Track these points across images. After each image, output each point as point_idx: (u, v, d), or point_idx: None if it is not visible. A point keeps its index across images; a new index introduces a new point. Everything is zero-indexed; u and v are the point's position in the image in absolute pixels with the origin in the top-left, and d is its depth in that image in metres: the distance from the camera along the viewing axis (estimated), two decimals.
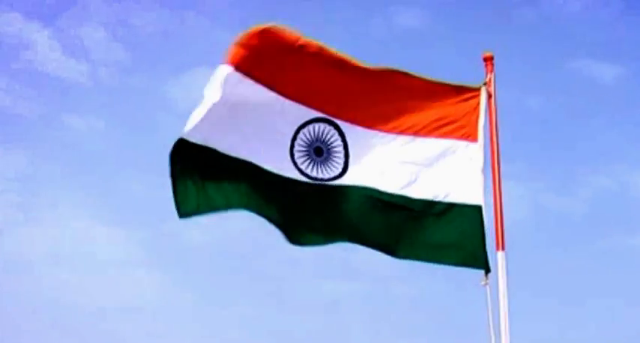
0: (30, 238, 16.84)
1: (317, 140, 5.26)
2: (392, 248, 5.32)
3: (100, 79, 17.98)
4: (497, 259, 5.14)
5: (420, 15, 18.74)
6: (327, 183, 5.22)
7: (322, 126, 5.28)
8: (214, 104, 4.79)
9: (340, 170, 5.27)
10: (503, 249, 5.16)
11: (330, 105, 5.29)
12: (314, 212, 5.21)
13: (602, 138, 17.83)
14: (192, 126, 4.79)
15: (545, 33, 18.11)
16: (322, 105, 5.27)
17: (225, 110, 4.88)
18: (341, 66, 5.22)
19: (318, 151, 5.26)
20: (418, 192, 5.31)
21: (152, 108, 17.48)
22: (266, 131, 5.13)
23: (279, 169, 5.14)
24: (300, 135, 5.23)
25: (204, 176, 4.95)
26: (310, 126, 5.26)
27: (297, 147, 5.21)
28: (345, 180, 5.26)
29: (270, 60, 5.01)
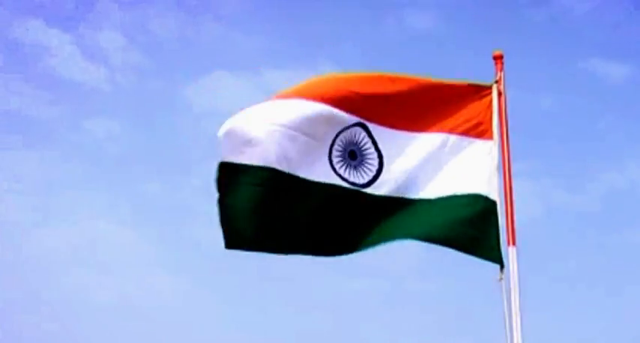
0: (48, 239, 17.05)
1: (351, 143, 5.35)
2: (409, 234, 5.36)
3: (118, 84, 18.19)
4: (509, 254, 5.21)
5: (432, 16, 18.85)
6: (362, 189, 5.29)
7: (356, 129, 5.36)
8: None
9: (375, 172, 5.34)
10: (514, 244, 5.23)
11: (361, 108, 5.37)
12: (351, 220, 5.29)
13: (612, 136, 17.89)
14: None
15: (555, 33, 18.21)
16: (356, 110, 5.36)
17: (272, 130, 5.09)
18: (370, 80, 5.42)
19: (352, 154, 5.34)
20: (441, 189, 5.37)
21: (169, 112, 17.65)
22: (306, 141, 5.23)
23: (319, 177, 5.22)
24: (338, 140, 5.31)
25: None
26: (347, 131, 5.34)
27: (334, 152, 5.29)
28: (379, 188, 5.32)
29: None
